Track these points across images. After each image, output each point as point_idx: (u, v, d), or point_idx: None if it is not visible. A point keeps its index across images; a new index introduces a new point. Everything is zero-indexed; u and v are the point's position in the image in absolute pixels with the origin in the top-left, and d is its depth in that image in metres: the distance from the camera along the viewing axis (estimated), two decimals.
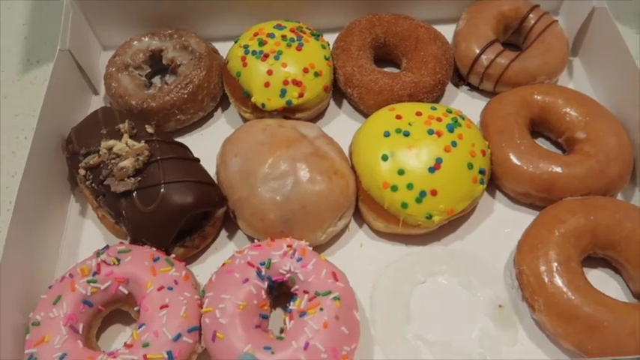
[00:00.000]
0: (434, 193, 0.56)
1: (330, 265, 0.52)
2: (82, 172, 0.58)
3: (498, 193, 0.65)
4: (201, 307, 0.51)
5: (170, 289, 0.51)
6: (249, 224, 0.57)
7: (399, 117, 0.61)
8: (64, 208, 0.64)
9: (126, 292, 0.52)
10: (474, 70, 0.71)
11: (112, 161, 0.57)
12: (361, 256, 0.60)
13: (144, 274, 0.51)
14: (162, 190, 0.54)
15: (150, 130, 0.60)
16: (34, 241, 0.57)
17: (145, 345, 0.47)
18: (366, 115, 0.70)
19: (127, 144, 0.58)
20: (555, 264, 0.53)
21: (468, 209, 0.60)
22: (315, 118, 0.71)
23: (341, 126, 0.71)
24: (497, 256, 0.59)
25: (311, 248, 0.54)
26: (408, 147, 0.58)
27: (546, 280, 0.52)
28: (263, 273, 0.51)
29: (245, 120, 0.70)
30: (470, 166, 0.58)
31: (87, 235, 0.63)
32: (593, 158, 0.60)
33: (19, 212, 0.54)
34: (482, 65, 0.70)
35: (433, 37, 0.71)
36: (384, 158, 0.57)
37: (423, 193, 0.56)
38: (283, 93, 0.65)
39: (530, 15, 0.73)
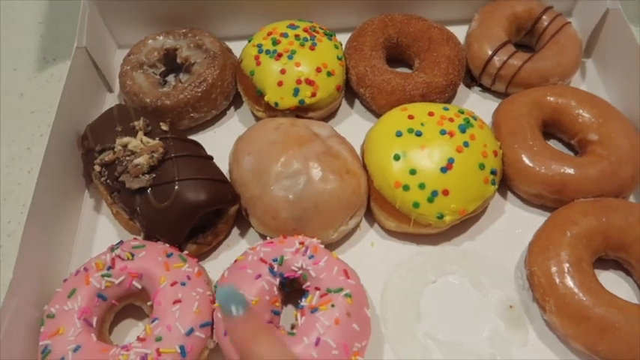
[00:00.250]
0: (445, 193, 0.56)
1: (341, 262, 0.53)
2: (97, 168, 0.59)
3: (510, 194, 0.65)
4: (213, 303, 0.51)
5: (183, 284, 0.51)
6: (261, 222, 0.58)
7: (411, 117, 0.61)
8: (79, 204, 0.65)
9: (139, 286, 0.52)
10: (486, 71, 0.71)
11: (127, 158, 0.57)
12: (372, 255, 0.61)
13: (157, 270, 0.52)
14: (176, 187, 0.55)
15: (164, 127, 0.61)
16: (50, 236, 0.58)
17: (158, 339, 0.48)
18: (378, 115, 0.70)
19: (141, 141, 0.58)
20: (567, 265, 0.53)
21: (480, 210, 0.60)
22: (327, 118, 0.71)
23: (353, 125, 0.71)
24: (508, 257, 0.60)
25: (323, 246, 0.54)
26: (420, 147, 0.58)
27: (557, 281, 0.52)
28: (275, 269, 0.52)
29: (257, 118, 0.71)
30: (482, 166, 0.58)
31: (101, 230, 0.63)
32: (606, 160, 0.60)
33: (35, 208, 0.55)
34: (495, 66, 0.70)
35: (446, 38, 0.71)
36: (396, 158, 0.58)
37: (434, 193, 0.56)
38: (296, 92, 0.65)
39: (544, 16, 0.73)
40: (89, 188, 0.66)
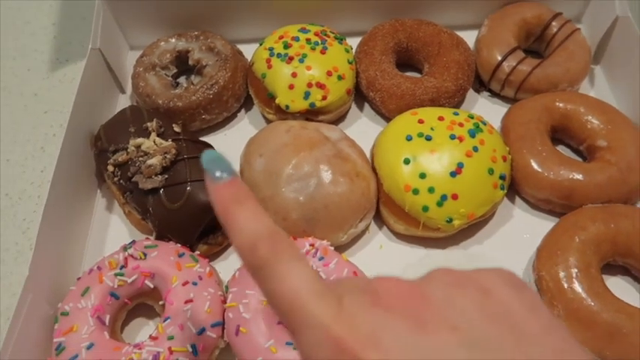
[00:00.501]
0: (455, 197, 0.57)
1: (351, 265, 0.53)
2: (110, 168, 0.60)
3: (518, 199, 0.65)
4: (224, 303, 0.52)
5: (194, 284, 0.52)
6: None
7: (421, 121, 0.61)
8: (91, 203, 0.66)
9: (151, 286, 0.53)
10: (495, 76, 0.71)
11: (140, 159, 0.58)
12: (381, 257, 0.61)
13: (169, 269, 0.53)
14: (188, 188, 0.56)
15: (177, 129, 0.62)
16: (63, 234, 0.59)
17: (170, 338, 0.49)
18: (388, 119, 0.70)
19: (154, 142, 0.59)
20: (575, 270, 0.53)
21: (488, 214, 0.60)
22: (337, 121, 0.72)
23: (362, 129, 0.72)
24: (516, 261, 0.60)
25: (332, 248, 0.55)
26: (430, 151, 0.58)
27: (566, 286, 0.53)
28: None
29: (268, 121, 0.72)
30: (491, 171, 0.58)
31: (113, 230, 0.64)
32: (614, 166, 0.60)
33: (50, 206, 0.55)
34: (504, 72, 0.70)
35: (455, 43, 0.71)
36: (406, 162, 0.58)
37: (444, 197, 0.57)
38: (307, 95, 0.66)
39: (553, 23, 0.74)
40: (101, 188, 0.67)
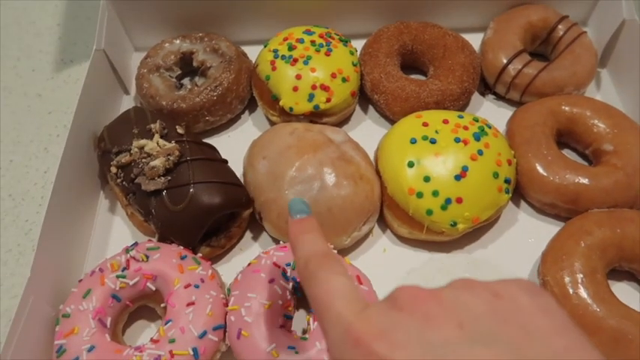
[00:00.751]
0: (459, 200, 0.56)
1: (354, 268, 0.53)
2: (113, 170, 0.59)
3: (523, 203, 0.64)
4: (226, 306, 0.52)
5: (196, 287, 0.52)
6: (275, 226, 0.58)
7: (425, 124, 0.61)
8: (94, 204, 0.65)
9: (153, 288, 0.53)
10: (500, 79, 0.71)
11: (143, 160, 0.58)
12: (384, 261, 0.61)
13: (171, 272, 0.52)
14: (191, 190, 0.56)
15: (180, 130, 0.61)
16: (66, 236, 0.58)
17: (172, 341, 0.48)
18: (392, 122, 0.70)
19: (158, 144, 0.59)
20: (580, 275, 0.52)
21: (493, 218, 0.60)
22: (341, 123, 0.72)
23: (366, 131, 0.71)
24: (520, 266, 0.59)
25: (336, 252, 0.54)
26: (435, 154, 0.58)
27: (571, 291, 0.52)
28: (288, 274, 0.52)
29: (272, 123, 0.71)
30: (495, 175, 0.58)
31: (115, 231, 0.64)
32: (621, 171, 0.60)
33: (52, 208, 0.55)
34: (510, 75, 0.70)
35: (461, 46, 0.71)
36: (410, 165, 0.58)
37: (448, 201, 0.56)
38: (311, 97, 0.66)
39: (559, 26, 0.73)
40: (104, 189, 0.67)
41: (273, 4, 0.76)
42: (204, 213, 0.55)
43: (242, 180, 0.62)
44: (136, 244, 0.56)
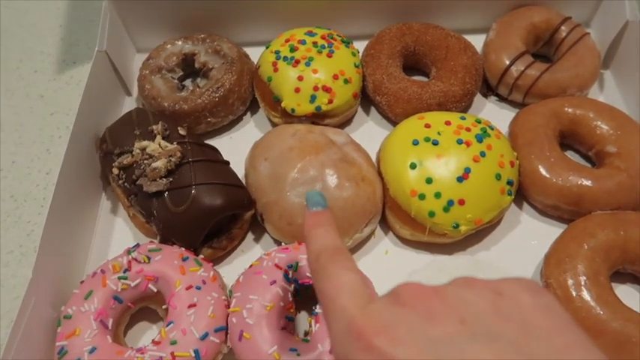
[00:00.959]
0: (461, 202, 0.56)
1: None
2: (115, 171, 0.59)
3: (526, 205, 0.64)
4: (228, 308, 0.52)
5: (198, 288, 0.51)
6: (276, 227, 0.58)
7: (428, 126, 0.61)
8: (96, 206, 0.65)
9: (155, 290, 0.53)
10: (503, 80, 0.71)
11: (145, 162, 0.58)
12: (386, 263, 0.61)
13: (173, 273, 0.52)
14: (193, 191, 0.55)
15: (182, 132, 0.61)
16: (68, 237, 0.58)
17: (173, 342, 0.48)
18: (394, 123, 0.70)
19: (159, 145, 0.59)
20: (583, 278, 0.52)
21: (495, 220, 0.60)
22: (343, 125, 0.71)
23: (368, 133, 0.71)
24: (523, 268, 0.59)
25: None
26: (437, 156, 0.58)
27: (574, 294, 0.52)
28: (290, 276, 0.52)
29: (274, 124, 0.71)
30: (498, 176, 0.58)
31: (117, 233, 0.64)
32: (624, 173, 0.59)
33: (54, 210, 0.55)
34: (512, 76, 0.70)
35: (463, 47, 0.71)
36: (413, 166, 0.58)
37: (450, 203, 0.56)
38: (313, 99, 0.65)
39: (562, 27, 0.73)
40: (106, 191, 0.67)
41: (275, 5, 0.76)
42: (206, 214, 0.55)
43: (244, 181, 0.62)
44: (137, 245, 0.55)
